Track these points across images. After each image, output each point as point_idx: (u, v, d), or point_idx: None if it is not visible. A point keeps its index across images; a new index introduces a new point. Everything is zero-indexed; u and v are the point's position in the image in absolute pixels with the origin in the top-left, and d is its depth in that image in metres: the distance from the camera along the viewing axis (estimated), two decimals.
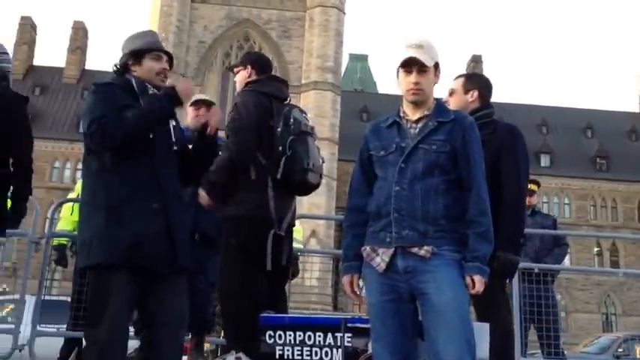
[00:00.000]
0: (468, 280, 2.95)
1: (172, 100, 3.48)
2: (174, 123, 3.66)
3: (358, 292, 3.17)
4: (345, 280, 3.15)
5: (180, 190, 3.63)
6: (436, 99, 3.21)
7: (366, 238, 3.11)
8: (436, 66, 3.16)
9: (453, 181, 3.05)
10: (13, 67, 5.14)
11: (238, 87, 4.73)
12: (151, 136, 3.46)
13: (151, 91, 3.58)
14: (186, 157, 3.66)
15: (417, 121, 3.13)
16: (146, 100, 3.48)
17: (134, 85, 3.56)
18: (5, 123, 4.65)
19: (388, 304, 2.99)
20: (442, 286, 2.91)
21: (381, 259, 3.01)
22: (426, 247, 2.95)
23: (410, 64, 3.11)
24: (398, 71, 3.16)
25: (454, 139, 3.07)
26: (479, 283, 2.94)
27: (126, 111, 3.40)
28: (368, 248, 3.06)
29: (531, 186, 7.35)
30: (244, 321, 4.15)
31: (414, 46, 3.12)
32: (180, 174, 3.59)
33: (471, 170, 3.06)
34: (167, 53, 3.72)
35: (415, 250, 2.95)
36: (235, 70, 4.79)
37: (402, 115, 3.18)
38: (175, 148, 3.56)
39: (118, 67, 3.66)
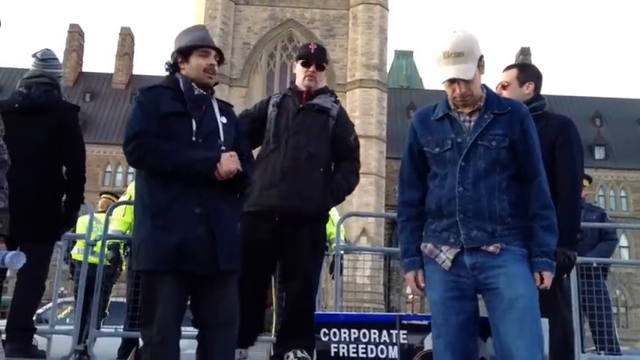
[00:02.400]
0: (537, 276, 2.91)
1: (212, 170, 3.38)
2: (224, 120, 3.60)
3: (422, 286, 3.11)
4: (410, 276, 3.10)
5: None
6: (485, 87, 3.10)
7: (425, 235, 3.06)
8: (480, 60, 3.01)
9: (513, 176, 2.98)
10: (63, 73, 5.23)
11: (320, 85, 4.51)
12: (194, 139, 3.45)
13: (196, 92, 3.55)
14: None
15: (470, 114, 3.03)
16: (192, 156, 3.36)
17: (181, 85, 3.54)
18: (58, 133, 4.74)
19: (452, 301, 2.94)
20: (514, 281, 2.86)
21: (445, 256, 2.96)
22: (495, 244, 2.90)
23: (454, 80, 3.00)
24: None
25: (513, 131, 2.98)
26: (548, 279, 2.92)
27: (170, 143, 3.38)
28: (430, 245, 3.01)
29: None
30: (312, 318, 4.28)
31: (454, 56, 2.95)
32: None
33: (531, 161, 2.98)
34: (215, 49, 3.66)
35: (484, 247, 2.91)
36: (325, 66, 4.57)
37: (452, 107, 3.07)
38: (224, 148, 3.51)
39: (170, 65, 3.64)
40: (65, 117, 4.85)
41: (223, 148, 3.51)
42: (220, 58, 3.68)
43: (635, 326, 43.87)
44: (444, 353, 2.94)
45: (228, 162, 3.40)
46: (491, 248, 2.90)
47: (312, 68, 4.43)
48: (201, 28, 3.83)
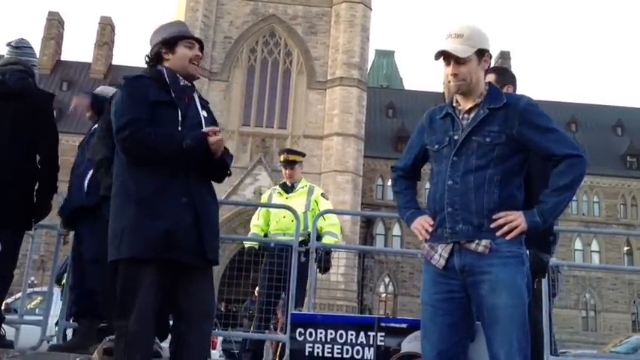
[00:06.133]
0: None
1: (203, 148, 3.41)
2: (205, 114, 3.61)
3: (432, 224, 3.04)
4: (419, 222, 3.03)
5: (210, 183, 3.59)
6: (489, 83, 3.09)
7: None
8: (481, 52, 3.01)
9: (510, 169, 2.94)
10: (38, 62, 5.18)
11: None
12: (179, 129, 3.44)
13: (182, 83, 3.56)
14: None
15: (468, 111, 3.02)
16: (186, 140, 3.37)
17: (166, 76, 3.53)
18: (32, 121, 4.68)
19: (440, 302, 2.94)
20: (497, 288, 2.84)
21: (439, 255, 2.94)
22: (483, 243, 2.86)
23: (444, 56, 3.00)
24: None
25: (509, 126, 2.93)
26: (512, 217, 2.85)
27: (162, 126, 3.38)
28: (427, 246, 3.00)
29: None
30: None
31: (453, 36, 3.00)
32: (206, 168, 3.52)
33: (544, 147, 2.92)
34: (198, 41, 3.70)
35: (473, 246, 2.88)
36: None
37: (454, 105, 3.07)
38: None
39: (151, 57, 3.64)
40: (40, 104, 4.79)
41: None
42: (201, 52, 3.71)
43: (603, 330, 44.51)
44: (429, 354, 2.94)
45: (213, 132, 3.43)
46: (480, 249, 2.86)
47: None
48: (181, 23, 3.86)
